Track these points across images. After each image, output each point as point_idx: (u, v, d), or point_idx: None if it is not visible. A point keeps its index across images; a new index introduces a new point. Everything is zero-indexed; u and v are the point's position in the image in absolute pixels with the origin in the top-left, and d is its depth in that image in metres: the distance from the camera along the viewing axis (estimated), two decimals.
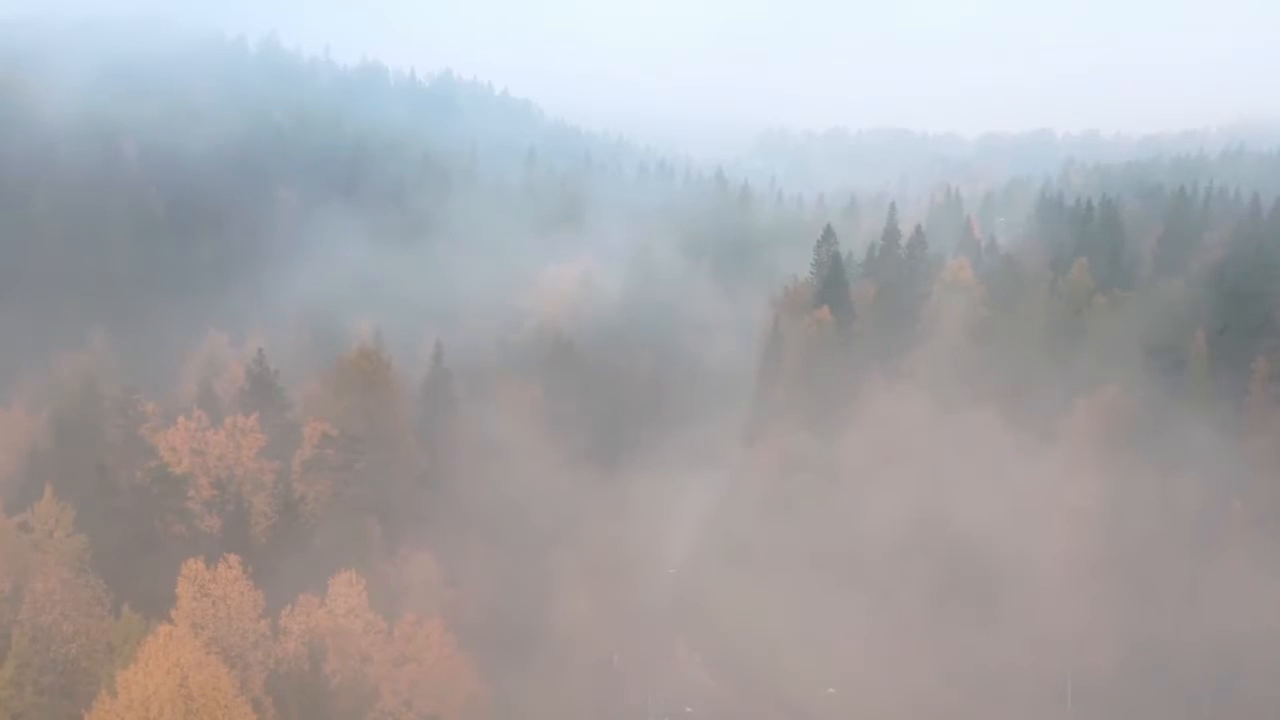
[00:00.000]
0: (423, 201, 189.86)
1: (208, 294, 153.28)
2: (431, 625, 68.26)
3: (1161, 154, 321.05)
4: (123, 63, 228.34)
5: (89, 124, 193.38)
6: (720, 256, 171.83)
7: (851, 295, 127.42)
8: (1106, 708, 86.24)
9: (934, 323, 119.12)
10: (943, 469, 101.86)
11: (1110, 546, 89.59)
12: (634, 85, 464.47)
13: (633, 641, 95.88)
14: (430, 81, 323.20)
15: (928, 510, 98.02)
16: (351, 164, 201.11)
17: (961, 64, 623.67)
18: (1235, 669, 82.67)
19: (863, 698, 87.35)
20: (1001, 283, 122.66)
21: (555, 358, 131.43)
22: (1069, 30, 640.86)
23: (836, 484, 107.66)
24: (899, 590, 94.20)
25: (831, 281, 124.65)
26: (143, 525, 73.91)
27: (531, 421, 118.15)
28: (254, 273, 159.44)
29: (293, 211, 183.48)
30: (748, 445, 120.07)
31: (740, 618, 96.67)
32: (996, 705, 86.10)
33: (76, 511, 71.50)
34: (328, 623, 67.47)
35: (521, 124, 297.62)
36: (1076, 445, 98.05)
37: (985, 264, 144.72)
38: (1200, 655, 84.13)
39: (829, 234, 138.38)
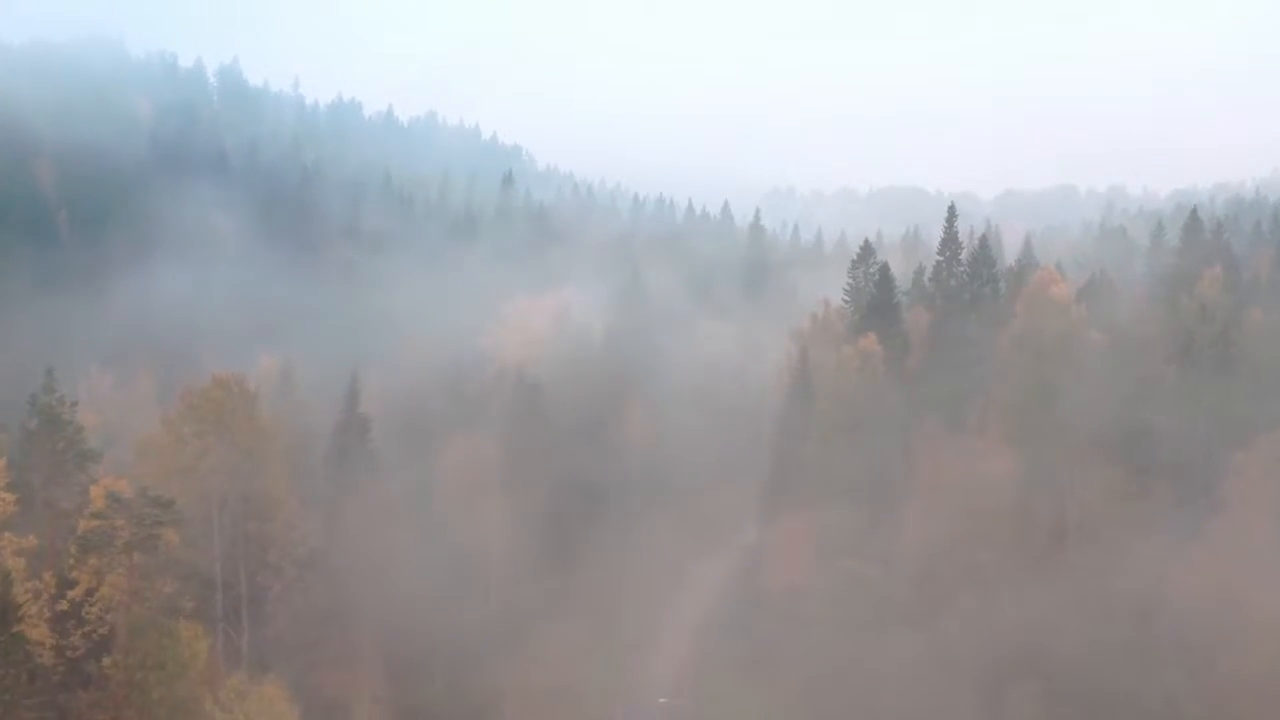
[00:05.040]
0: (376, 229, 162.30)
1: (95, 325, 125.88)
2: None
3: (1210, 198, 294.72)
4: (61, 84, 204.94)
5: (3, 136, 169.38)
6: (728, 291, 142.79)
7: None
8: None
9: (1016, 354, 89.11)
10: (1052, 556, 71.87)
11: None
12: (632, 144, 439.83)
13: None
14: (410, 121, 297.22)
15: (1036, 614, 67.77)
16: (299, 190, 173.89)
17: (974, 124, 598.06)
18: None
19: None
20: (1102, 300, 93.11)
21: (517, 407, 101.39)
22: (1088, 85, 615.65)
23: (893, 573, 77.51)
24: None
25: (879, 303, 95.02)
26: None
27: (480, 488, 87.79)
28: (161, 303, 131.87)
29: (223, 238, 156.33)
30: (767, 521, 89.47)
31: None
32: None
33: None
34: None
35: (507, 166, 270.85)
36: (1252, 516, 67.87)
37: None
38: None
39: (868, 249, 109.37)
